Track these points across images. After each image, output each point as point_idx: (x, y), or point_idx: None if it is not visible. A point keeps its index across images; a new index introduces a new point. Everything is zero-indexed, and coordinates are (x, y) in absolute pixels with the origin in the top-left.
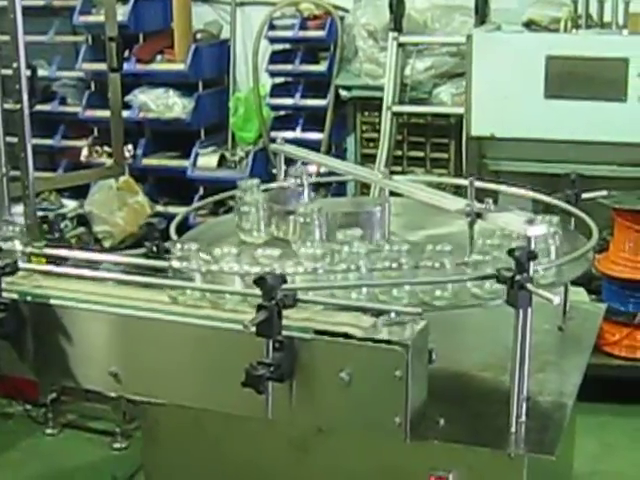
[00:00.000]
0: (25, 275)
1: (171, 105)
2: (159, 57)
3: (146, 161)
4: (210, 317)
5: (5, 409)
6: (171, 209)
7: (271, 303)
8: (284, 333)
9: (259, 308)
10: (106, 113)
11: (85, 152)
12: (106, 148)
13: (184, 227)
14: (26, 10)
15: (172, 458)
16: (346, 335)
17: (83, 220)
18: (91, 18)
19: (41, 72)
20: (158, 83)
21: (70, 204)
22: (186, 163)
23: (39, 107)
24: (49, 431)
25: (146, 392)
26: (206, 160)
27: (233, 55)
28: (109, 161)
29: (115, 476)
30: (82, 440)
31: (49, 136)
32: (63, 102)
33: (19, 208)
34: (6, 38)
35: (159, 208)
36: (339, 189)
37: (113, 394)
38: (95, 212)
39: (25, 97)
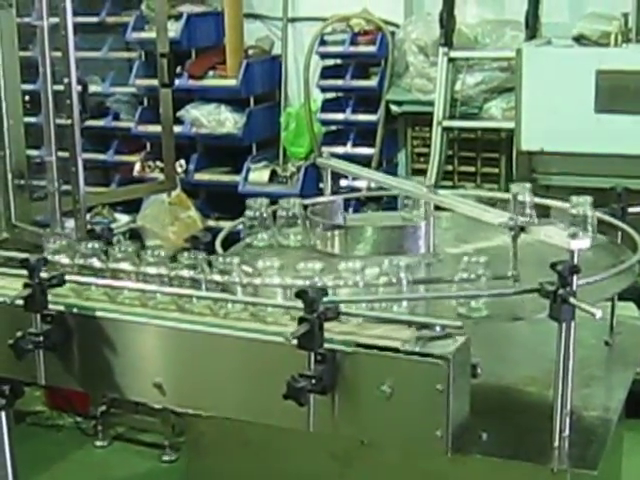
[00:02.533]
0: (71, 287)
1: (223, 120)
2: (211, 73)
3: (198, 176)
4: (253, 330)
5: (55, 421)
6: (222, 224)
7: (312, 316)
8: (326, 346)
9: (300, 321)
10: (158, 128)
11: (138, 167)
12: (159, 163)
13: (236, 242)
14: (80, 27)
15: (217, 470)
16: (388, 348)
17: (135, 234)
18: (144, 34)
19: (95, 88)
20: (210, 99)
21: (123, 218)
22: (238, 178)
23: (93, 122)
24: (99, 443)
25: (190, 404)
26: (257, 175)
27: (284, 70)
28: (162, 176)
29: None
30: (131, 452)
31: (102, 151)
32: (116, 117)
33: (72, 222)
34: (58, 54)
35: (211, 223)
36: (390, 203)
37: (157, 406)
38: (147, 226)
39: (76, 112)
